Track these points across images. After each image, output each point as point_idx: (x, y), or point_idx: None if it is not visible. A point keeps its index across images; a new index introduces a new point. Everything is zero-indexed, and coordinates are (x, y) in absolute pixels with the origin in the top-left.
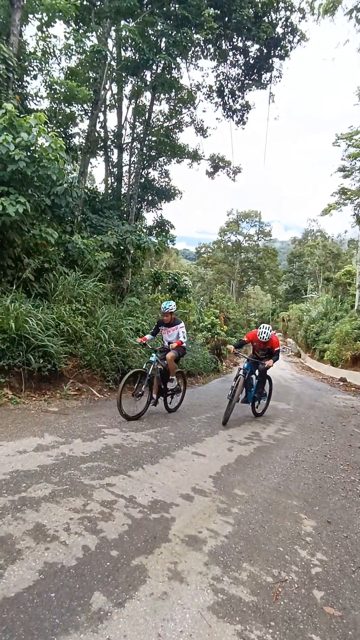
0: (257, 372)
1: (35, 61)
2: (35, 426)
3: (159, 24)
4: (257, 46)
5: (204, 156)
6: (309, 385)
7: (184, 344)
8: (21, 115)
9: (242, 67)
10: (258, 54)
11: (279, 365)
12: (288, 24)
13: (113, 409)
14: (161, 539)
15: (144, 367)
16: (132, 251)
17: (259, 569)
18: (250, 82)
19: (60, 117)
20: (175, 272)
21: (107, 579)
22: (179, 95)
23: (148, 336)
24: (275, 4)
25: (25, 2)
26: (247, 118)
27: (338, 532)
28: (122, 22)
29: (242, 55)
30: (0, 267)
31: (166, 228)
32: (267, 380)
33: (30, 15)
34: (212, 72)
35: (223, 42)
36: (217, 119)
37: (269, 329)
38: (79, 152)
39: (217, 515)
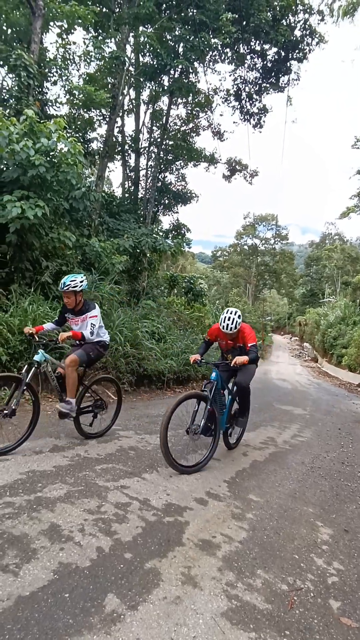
0: (231, 382)
1: (55, 68)
2: (51, 427)
3: (177, 29)
4: (275, 49)
5: (220, 160)
6: (325, 390)
7: (93, 339)
8: (41, 121)
9: (260, 71)
10: (276, 57)
11: (295, 370)
12: (307, 26)
13: (128, 412)
14: (175, 542)
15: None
16: (148, 254)
17: (274, 576)
18: (267, 85)
19: (79, 123)
20: (191, 275)
21: (121, 581)
22: (196, 100)
23: (47, 325)
24: (293, 7)
25: (46, 10)
26: (264, 121)
27: (356, 542)
28: (141, 28)
29: (259, 59)
30: (19, 270)
31: (182, 231)
32: (249, 401)
33: (51, 23)
34: (230, 75)
35: (241, 45)
36: (234, 122)
37: (235, 313)
38: (97, 157)
39: (232, 520)
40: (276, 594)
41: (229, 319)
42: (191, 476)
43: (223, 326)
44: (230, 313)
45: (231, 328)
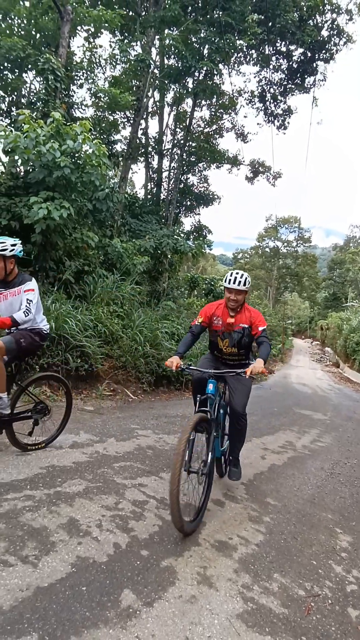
0: (230, 394)
1: (81, 71)
2: (70, 424)
3: (202, 31)
4: (300, 50)
5: (243, 161)
6: (347, 396)
7: (28, 321)
8: (67, 124)
9: (285, 72)
10: (302, 57)
11: (316, 375)
12: (334, 26)
13: (147, 411)
14: (191, 542)
15: None
16: (169, 255)
17: (291, 581)
18: (292, 86)
19: (103, 125)
20: (212, 277)
21: (137, 578)
22: (220, 101)
23: None
24: (321, 7)
25: (73, 14)
26: (288, 123)
27: None
28: (166, 31)
29: (285, 60)
30: (43, 269)
31: (204, 233)
32: (244, 435)
33: (78, 27)
34: (254, 77)
35: (266, 46)
36: (258, 124)
37: (242, 276)
38: (120, 159)
39: (249, 522)
40: (293, 599)
41: (236, 274)
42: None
43: (229, 280)
44: (237, 275)
45: (240, 282)
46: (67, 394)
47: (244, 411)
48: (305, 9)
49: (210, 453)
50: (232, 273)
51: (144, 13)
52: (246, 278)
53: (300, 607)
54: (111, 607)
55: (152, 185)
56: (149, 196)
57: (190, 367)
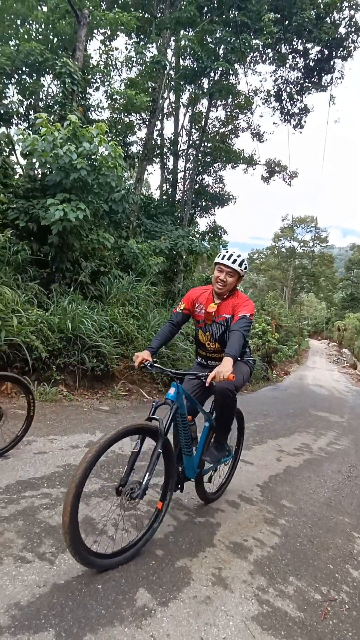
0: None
1: (98, 73)
2: (87, 423)
3: (218, 31)
4: (317, 48)
5: (259, 161)
6: None
7: None
8: (84, 126)
9: (302, 70)
10: (319, 55)
11: (333, 376)
12: (352, 23)
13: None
14: (205, 543)
15: None
16: (184, 256)
17: (307, 585)
18: (309, 84)
19: (119, 126)
20: None
21: (152, 577)
22: (235, 101)
23: None
24: (338, 4)
25: (90, 18)
26: (305, 122)
27: None
28: (182, 32)
29: (301, 58)
30: (60, 270)
31: (219, 233)
32: (232, 416)
33: (95, 31)
34: (270, 76)
35: (282, 45)
36: (274, 123)
37: (239, 255)
38: (136, 160)
39: (264, 525)
40: (309, 603)
41: (233, 251)
42: (223, 478)
43: (223, 255)
44: (234, 250)
45: (235, 261)
46: (28, 396)
47: (230, 388)
48: (322, 7)
49: (148, 473)
50: (228, 250)
51: (159, 15)
52: (243, 260)
53: (316, 612)
54: (126, 605)
55: (168, 186)
56: (164, 197)
57: (155, 365)
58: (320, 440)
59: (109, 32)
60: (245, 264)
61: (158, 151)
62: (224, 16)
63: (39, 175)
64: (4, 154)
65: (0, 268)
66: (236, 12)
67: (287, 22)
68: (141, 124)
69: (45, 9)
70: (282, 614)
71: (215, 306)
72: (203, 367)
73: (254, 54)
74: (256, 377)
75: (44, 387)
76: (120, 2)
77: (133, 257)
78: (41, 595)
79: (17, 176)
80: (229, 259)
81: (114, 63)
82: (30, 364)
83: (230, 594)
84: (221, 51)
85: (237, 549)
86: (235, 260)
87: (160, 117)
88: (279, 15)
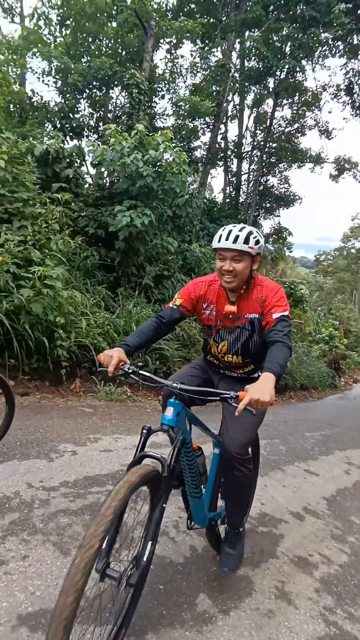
0: (223, 423)
1: (163, 82)
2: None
3: (285, 28)
4: None
5: (327, 159)
6: None
7: None
8: (150, 134)
9: None
10: None
11: None
12: None
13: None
14: (268, 554)
15: None
16: None
17: None
18: None
19: (183, 132)
20: (292, 280)
21: (213, 583)
22: (302, 99)
23: None
24: None
25: (157, 29)
26: None
27: None
28: (247, 33)
29: None
30: (125, 274)
31: (283, 235)
32: (250, 491)
33: (161, 41)
34: (340, 69)
35: (354, 36)
36: (344, 119)
37: (241, 229)
38: (200, 164)
39: (331, 540)
40: None
41: (233, 226)
42: (287, 488)
43: (220, 236)
44: (238, 224)
45: (238, 237)
46: (6, 393)
47: (242, 451)
48: None
49: (151, 542)
50: (225, 227)
51: (224, 18)
52: (249, 233)
53: None
54: (187, 609)
55: (231, 189)
56: (227, 200)
57: (141, 372)
58: None
59: (174, 41)
60: (257, 238)
61: (222, 154)
62: (290, 12)
63: (107, 184)
64: (76, 165)
65: (71, 273)
66: (304, 7)
67: (359, 12)
68: (205, 129)
69: (114, 24)
70: (352, 638)
71: (234, 306)
72: (213, 373)
73: (323, 48)
74: (322, 384)
75: (110, 387)
76: (185, 10)
77: (196, 261)
78: (105, 590)
79: (87, 185)
80: (227, 238)
81: (178, 71)
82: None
83: (295, 610)
84: (288, 48)
85: (301, 563)
86: (237, 237)
87: (224, 121)
88: (350, 5)
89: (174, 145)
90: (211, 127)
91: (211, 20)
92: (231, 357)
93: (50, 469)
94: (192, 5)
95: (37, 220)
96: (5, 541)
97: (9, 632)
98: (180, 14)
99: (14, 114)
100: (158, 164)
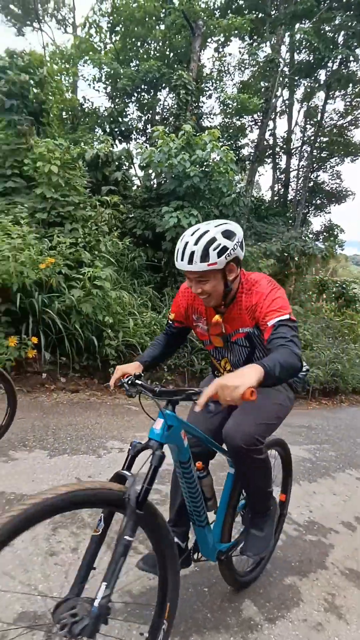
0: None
1: (210, 81)
2: None
3: (337, 17)
4: None
5: None
6: None
7: None
8: (197, 134)
9: None
10: None
11: None
12: None
13: None
14: (317, 564)
15: None
16: (296, 258)
17: None
18: None
19: (231, 130)
20: (343, 279)
21: (259, 590)
22: (356, 89)
23: None
24: None
25: (204, 28)
26: None
27: None
28: (297, 25)
29: None
30: (172, 275)
31: (335, 233)
32: (267, 482)
33: (208, 40)
34: None
35: None
36: None
37: (197, 240)
38: (247, 162)
39: None
40: None
41: (191, 235)
42: (337, 496)
43: (178, 251)
44: (197, 228)
45: (192, 254)
46: (8, 390)
47: (248, 440)
48: None
49: (106, 584)
50: (183, 237)
51: (273, 12)
52: (208, 244)
53: None
54: (232, 614)
55: (280, 186)
56: (275, 198)
57: (137, 382)
58: None
59: (222, 39)
60: (221, 246)
61: (270, 151)
62: (344, 0)
63: (155, 185)
64: (124, 167)
65: (119, 274)
66: None
67: None
68: (253, 126)
69: (162, 27)
70: None
71: (220, 319)
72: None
73: None
74: None
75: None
76: (233, 7)
77: (242, 261)
78: (151, 588)
79: (134, 187)
80: (182, 257)
81: (226, 69)
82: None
83: (346, 625)
84: (340, 38)
85: (353, 576)
86: (192, 254)
87: (272, 117)
88: None
89: (221, 144)
90: (259, 124)
91: (260, 15)
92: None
93: (98, 464)
94: (240, 2)
95: (87, 222)
96: (56, 533)
97: None
98: (228, 12)
99: (66, 121)
100: (205, 163)
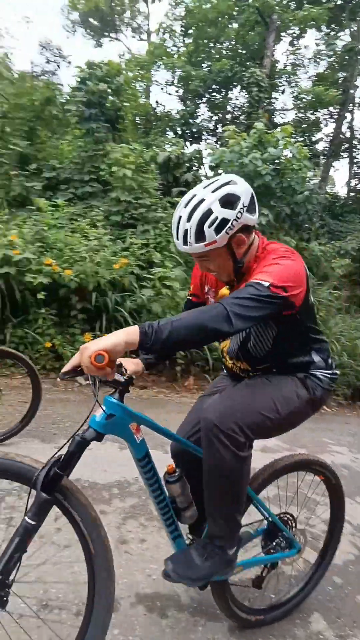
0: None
1: (284, 76)
2: None
3: None
4: None
5: None
6: None
7: None
8: (269, 132)
9: None
10: None
11: None
12: None
13: (342, 426)
14: None
15: None
16: None
17: None
18: None
19: (304, 125)
20: None
21: (329, 604)
22: None
23: None
24: None
25: (279, 22)
26: None
27: None
28: None
29: None
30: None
31: None
32: (234, 484)
33: (283, 34)
34: None
35: None
36: None
37: (190, 215)
38: (321, 158)
39: None
40: None
41: (186, 205)
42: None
43: (172, 232)
44: (192, 196)
45: (186, 233)
46: (33, 378)
47: (224, 422)
48: None
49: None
50: (177, 208)
51: None
52: (200, 220)
53: None
54: (300, 625)
55: (356, 182)
56: (351, 194)
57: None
58: None
59: (297, 32)
60: (218, 219)
61: (346, 145)
62: None
63: None
64: (194, 168)
65: (187, 274)
66: None
67: None
68: (328, 119)
69: (235, 25)
70: None
71: (228, 292)
72: (234, 380)
73: None
74: None
75: None
76: None
77: (315, 260)
78: (203, 593)
79: None
80: (177, 236)
81: (301, 62)
82: (210, 363)
83: None
84: None
85: None
86: (186, 233)
87: (350, 109)
88: None
89: (294, 140)
90: (335, 116)
91: (338, 2)
92: (231, 361)
93: (166, 460)
94: None
95: (158, 224)
96: (125, 522)
97: (128, 607)
98: (304, 2)
99: (139, 125)
100: (277, 161)
